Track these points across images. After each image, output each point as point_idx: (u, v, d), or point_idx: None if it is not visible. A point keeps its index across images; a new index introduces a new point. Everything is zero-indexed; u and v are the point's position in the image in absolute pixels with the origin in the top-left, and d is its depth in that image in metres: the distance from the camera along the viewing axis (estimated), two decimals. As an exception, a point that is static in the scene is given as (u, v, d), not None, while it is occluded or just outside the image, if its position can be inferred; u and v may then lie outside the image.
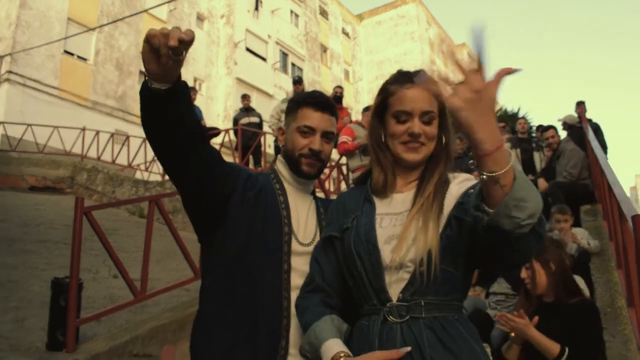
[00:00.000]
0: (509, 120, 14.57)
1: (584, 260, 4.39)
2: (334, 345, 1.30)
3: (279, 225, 1.60)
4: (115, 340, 3.77)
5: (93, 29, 16.66)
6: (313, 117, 1.67)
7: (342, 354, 1.27)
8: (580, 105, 8.03)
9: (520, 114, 15.92)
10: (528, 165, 7.84)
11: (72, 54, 18.22)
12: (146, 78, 1.36)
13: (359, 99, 35.85)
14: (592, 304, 2.82)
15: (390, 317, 1.30)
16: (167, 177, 1.42)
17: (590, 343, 2.56)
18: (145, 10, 15.74)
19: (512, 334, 2.68)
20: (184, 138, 1.43)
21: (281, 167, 1.74)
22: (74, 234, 3.67)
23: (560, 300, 2.73)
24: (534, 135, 9.25)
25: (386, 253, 1.33)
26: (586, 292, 3.38)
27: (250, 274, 1.54)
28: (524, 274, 3.10)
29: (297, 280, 1.54)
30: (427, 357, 1.22)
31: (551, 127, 6.58)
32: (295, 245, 1.58)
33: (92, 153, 14.13)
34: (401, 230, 1.34)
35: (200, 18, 24.29)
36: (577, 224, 5.38)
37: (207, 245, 1.67)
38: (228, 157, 13.19)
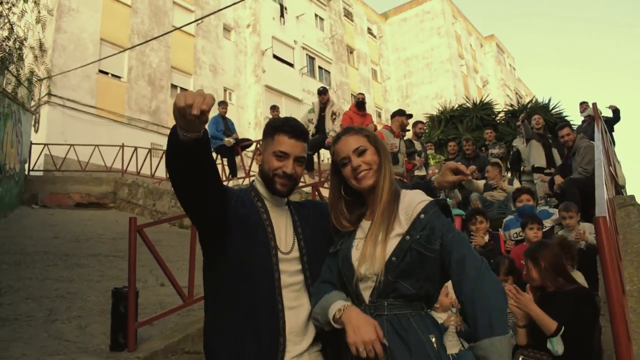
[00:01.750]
0: (540, 111, 14.36)
1: (592, 255, 4.68)
2: (341, 301, 1.76)
3: (267, 240, 1.92)
4: (170, 340, 4.25)
5: (126, 50, 17.34)
6: (287, 144, 1.94)
7: (348, 304, 1.74)
8: (583, 105, 8.21)
9: (552, 105, 15.57)
10: (548, 160, 8.01)
11: (106, 73, 19.03)
12: (177, 128, 1.59)
13: (388, 97, 35.97)
14: (585, 290, 3.30)
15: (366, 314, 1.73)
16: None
17: (582, 323, 2.97)
18: (176, 29, 16.34)
19: (517, 320, 3.09)
20: (205, 178, 1.75)
21: (259, 185, 2.05)
22: (129, 250, 4.17)
23: (558, 289, 3.18)
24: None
25: (358, 269, 1.78)
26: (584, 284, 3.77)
27: (251, 283, 1.86)
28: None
29: (286, 279, 1.91)
30: (386, 344, 1.64)
31: (567, 124, 6.81)
32: (280, 256, 1.92)
33: (132, 167, 14.79)
34: (361, 254, 1.79)
35: (227, 29, 24.91)
36: (591, 218, 5.61)
37: (211, 257, 1.97)
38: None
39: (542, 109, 14.31)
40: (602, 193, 2.99)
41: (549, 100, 15.75)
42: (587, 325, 3.01)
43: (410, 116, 7.70)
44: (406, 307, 1.74)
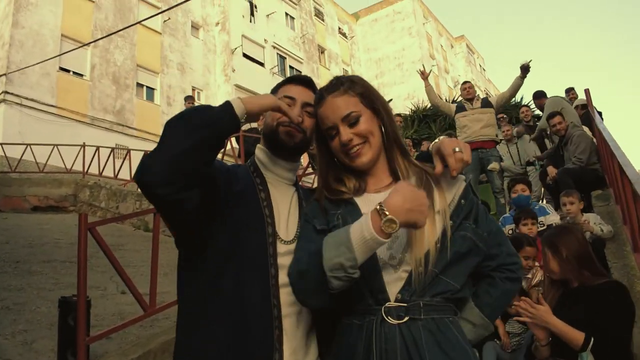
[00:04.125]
0: (512, 109, 14.38)
1: (598, 247, 4.29)
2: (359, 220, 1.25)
3: (262, 226, 1.49)
4: (127, 357, 3.68)
5: (87, 44, 16.60)
6: (293, 90, 1.64)
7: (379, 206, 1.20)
8: (571, 92, 7.96)
9: (523, 103, 15.74)
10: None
11: (68, 71, 18.22)
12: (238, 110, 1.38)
13: (358, 98, 35.84)
14: (617, 284, 2.68)
15: (389, 318, 1.28)
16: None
17: (616, 328, 2.43)
18: (139, 22, 15.67)
19: (538, 340, 2.55)
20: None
21: (260, 154, 1.65)
22: (79, 251, 3.59)
23: (583, 284, 2.62)
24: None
25: (382, 250, 1.31)
26: None
27: (237, 283, 1.43)
28: (523, 263, 3.04)
29: (285, 277, 1.42)
30: (425, 357, 1.23)
31: (557, 113, 6.47)
32: (279, 246, 1.49)
33: (94, 169, 14.02)
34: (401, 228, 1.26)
35: (195, 27, 24.32)
36: (588, 209, 5.29)
37: (187, 249, 1.53)
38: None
39: (513, 107, 14.36)
40: (634, 172, 2.56)
41: (521, 99, 15.91)
42: (625, 330, 2.49)
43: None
44: (444, 309, 1.33)
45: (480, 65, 47.37)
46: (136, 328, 4.62)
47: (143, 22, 17.40)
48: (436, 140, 1.49)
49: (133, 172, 11.35)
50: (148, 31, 20.94)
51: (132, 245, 8.61)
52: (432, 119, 16.07)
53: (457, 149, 1.36)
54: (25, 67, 15.34)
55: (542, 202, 6.62)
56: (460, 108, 7.16)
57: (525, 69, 6.45)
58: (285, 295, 1.43)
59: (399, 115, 10.06)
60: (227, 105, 1.38)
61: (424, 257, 1.28)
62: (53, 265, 6.82)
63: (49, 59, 14.74)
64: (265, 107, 1.46)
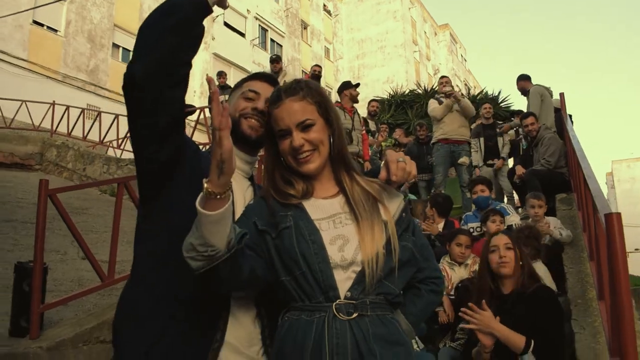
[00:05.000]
0: (490, 103, 14.56)
1: (556, 250, 4.40)
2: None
3: None
4: (82, 327, 3.65)
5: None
6: (258, 85, 1.67)
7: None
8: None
9: (501, 97, 15.85)
10: (492, 152, 7.92)
11: (41, 25, 17.57)
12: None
13: (340, 77, 35.57)
14: (549, 290, 2.88)
15: (339, 314, 1.35)
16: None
17: (555, 330, 2.59)
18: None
19: (483, 347, 2.62)
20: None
21: None
22: (37, 218, 3.52)
23: (519, 289, 2.76)
24: (513, 119, 9.32)
25: (334, 252, 1.39)
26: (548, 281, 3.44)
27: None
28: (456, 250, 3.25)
29: None
30: (374, 350, 1.31)
31: (531, 114, 6.55)
32: None
33: (62, 128, 13.69)
34: (351, 233, 1.42)
35: (176, -9, 23.69)
36: (552, 212, 5.40)
37: (150, 206, 1.55)
38: (204, 135, 12.94)
39: (491, 100, 14.51)
40: (597, 186, 2.62)
41: (499, 93, 16.04)
42: (560, 333, 2.63)
43: (358, 85, 7.15)
44: (386, 308, 1.43)
45: (462, 56, 47.50)
46: (94, 296, 4.58)
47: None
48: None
49: (103, 134, 11.09)
50: (127, -10, 20.40)
51: (96, 209, 8.47)
52: (409, 105, 16.07)
53: (400, 159, 1.47)
54: (-3, 18, 14.79)
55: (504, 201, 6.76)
56: (438, 102, 7.25)
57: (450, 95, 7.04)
58: None
59: (374, 100, 10.05)
60: None
61: (375, 257, 1.37)
62: (13, 225, 6.69)
63: (21, 12, 14.22)
64: None
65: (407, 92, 17.06)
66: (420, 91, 17.04)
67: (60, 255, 5.77)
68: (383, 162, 1.52)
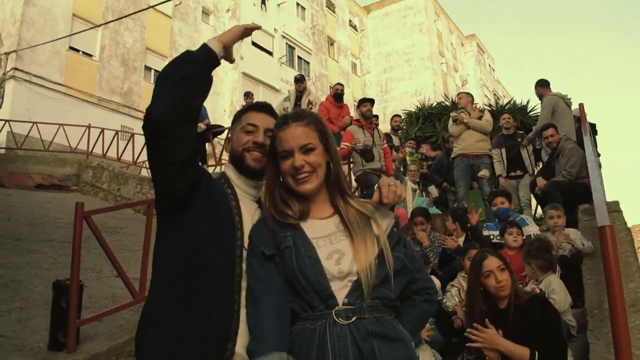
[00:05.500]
0: (518, 113, 14.35)
1: (576, 262, 4.42)
2: None
3: (233, 229, 1.69)
4: (115, 341, 3.86)
5: (98, 26, 16.70)
6: (255, 117, 1.85)
7: None
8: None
9: (530, 107, 15.58)
10: (516, 162, 7.69)
11: (77, 50, 18.30)
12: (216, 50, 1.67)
13: (367, 92, 35.73)
14: (542, 297, 3.02)
15: (339, 318, 1.48)
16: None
17: (557, 337, 2.69)
18: (152, 7, 15.75)
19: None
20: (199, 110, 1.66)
21: (230, 172, 1.84)
22: (74, 239, 3.76)
23: (515, 302, 2.85)
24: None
25: (330, 266, 1.52)
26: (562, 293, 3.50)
27: (208, 272, 1.61)
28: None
29: (244, 282, 1.64)
30: (375, 349, 1.44)
31: (551, 125, 6.57)
32: (244, 252, 1.67)
33: (98, 150, 14.19)
34: (346, 248, 1.55)
35: (205, 12, 24.31)
36: (575, 222, 5.40)
37: (167, 229, 1.69)
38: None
39: (519, 110, 14.31)
40: (601, 198, 2.70)
41: (528, 102, 15.79)
42: (558, 340, 2.70)
43: (369, 100, 7.26)
44: (384, 310, 1.55)
45: (490, 65, 47.14)
46: (127, 312, 4.79)
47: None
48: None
49: (136, 155, 11.45)
50: (159, 14, 20.98)
51: (130, 228, 8.77)
52: (437, 118, 15.98)
53: (391, 184, 1.64)
54: (36, 45, 15.46)
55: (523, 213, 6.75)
56: (453, 121, 7.37)
57: None
58: (244, 296, 1.62)
59: (397, 115, 10.15)
60: (204, 44, 1.67)
61: (369, 267, 1.50)
62: (52, 245, 6.99)
63: (59, 39, 14.84)
64: (236, 35, 1.75)
65: (434, 104, 16.99)
66: (447, 103, 16.96)
67: (96, 273, 6.02)
68: (376, 185, 1.68)
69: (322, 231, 1.60)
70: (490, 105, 16.94)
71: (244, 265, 1.64)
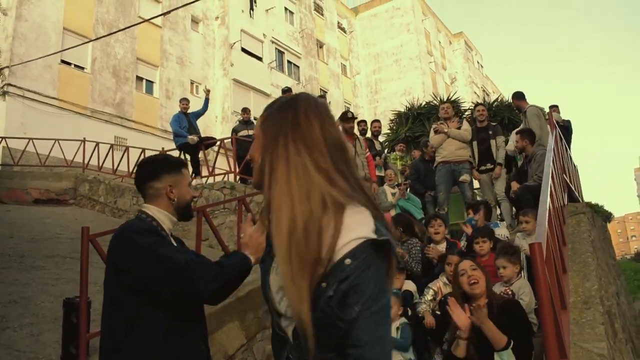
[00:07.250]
0: (505, 110, 14.59)
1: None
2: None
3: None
4: (122, 352, 4.20)
5: (90, 41, 16.96)
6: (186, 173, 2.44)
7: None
8: (554, 109, 8.38)
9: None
10: (486, 155, 7.76)
11: (69, 64, 18.55)
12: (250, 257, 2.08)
13: (357, 93, 36.10)
14: (514, 300, 3.47)
15: (290, 355, 1.33)
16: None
17: (528, 335, 3.14)
18: (144, 21, 16.05)
19: (461, 332, 3.13)
20: None
21: (163, 217, 2.31)
22: (81, 261, 4.10)
23: (493, 302, 3.24)
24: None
25: (278, 301, 1.34)
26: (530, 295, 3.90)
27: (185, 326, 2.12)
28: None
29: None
30: None
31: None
32: None
33: (94, 161, 14.42)
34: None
35: (195, 20, 24.56)
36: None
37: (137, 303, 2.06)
38: (223, 162, 13.56)
39: (507, 106, 14.53)
40: (544, 213, 3.03)
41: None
42: (531, 334, 3.15)
43: (350, 118, 7.36)
44: (332, 351, 1.28)
45: (478, 62, 47.56)
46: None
47: (143, 16, 17.77)
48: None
49: (131, 167, 11.69)
50: (148, 25, 21.13)
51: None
52: (427, 117, 16.14)
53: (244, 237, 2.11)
54: (29, 61, 15.70)
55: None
56: (435, 131, 7.79)
57: None
58: None
59: (377, 121, 10.40)
60: (249, 263, 2.07)
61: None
62: (55, 261, 7.26)
63: (52, 54, 15.09)
64: (262, 247, 1.74)
65: (423, 104, 17.19)
66: (436, 102, 17.13)
67: (98, 287, 6.31)
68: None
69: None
70: (460, 120, 17.20)
71: None
